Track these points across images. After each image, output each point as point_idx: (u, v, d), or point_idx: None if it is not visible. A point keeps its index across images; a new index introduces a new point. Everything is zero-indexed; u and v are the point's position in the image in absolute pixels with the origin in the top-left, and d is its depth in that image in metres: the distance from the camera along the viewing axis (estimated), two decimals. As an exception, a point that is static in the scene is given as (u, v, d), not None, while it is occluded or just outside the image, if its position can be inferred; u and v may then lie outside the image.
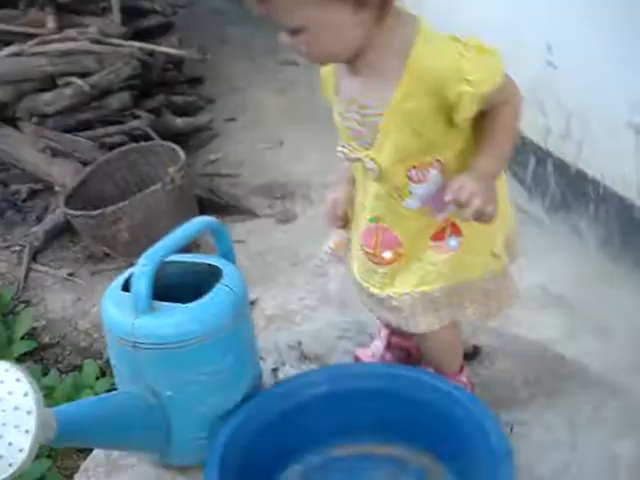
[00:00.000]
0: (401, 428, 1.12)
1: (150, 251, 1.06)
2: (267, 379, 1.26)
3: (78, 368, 2.04)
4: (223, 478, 0.99)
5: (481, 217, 0.96)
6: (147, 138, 2.76)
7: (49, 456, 1.73)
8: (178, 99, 3.11)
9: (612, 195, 2.11)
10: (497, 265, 1.09)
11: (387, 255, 1.06)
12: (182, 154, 2.38)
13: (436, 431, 1.09)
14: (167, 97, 3.01)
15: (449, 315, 1.09)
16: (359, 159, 1.03)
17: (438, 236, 1.05)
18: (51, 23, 2.68)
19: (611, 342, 1.96)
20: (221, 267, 1.11)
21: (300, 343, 1.39)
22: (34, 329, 2.25)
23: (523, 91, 2.26)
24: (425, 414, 1.10)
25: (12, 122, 2.74)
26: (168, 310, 1.03)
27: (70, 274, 2.48)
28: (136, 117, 2.81)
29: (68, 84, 2.65)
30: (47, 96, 2.66)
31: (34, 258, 2.55)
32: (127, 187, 2.53)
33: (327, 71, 1.08)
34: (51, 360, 2.14)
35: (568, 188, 2.29)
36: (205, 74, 3.83)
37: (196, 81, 3.68)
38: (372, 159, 1.01)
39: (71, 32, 2.67)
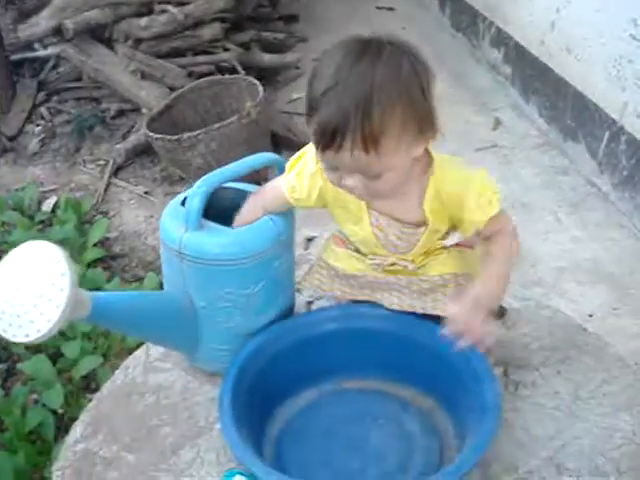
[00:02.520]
0: (411, 371, 1.19)
1: (208, 175, 1.15)
2: (303, 309, 1.34)
3: (141, 280, 2.17)
4: (237, 392, 1.09)
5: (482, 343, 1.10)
6: (234, 71, 2.86)
7: (104, 355, 1.89)
8: (269, 36, 3.17)
9: (679, 179, 2.09)
10: None
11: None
12: (261, 90, 2.46)
13: (440, 379, 1.15)
14: (258, 33, 3.08)
15: None
16: (394, 263, 1.15)
17: None
18: (154, -48, 2.77)
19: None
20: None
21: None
22: (107, 239, 2.40)
23: (608, 64, 2.25)
24: (433, 362, 1.16)
25: (108, 43, 2.87)
26: (213, 230, 1.12)
27: (146, 192, 2.63)
28: (226, 49, 2.90)
29: (164, 11, 2.75)
30: (143, 21, 2.77)
31: (115, 173, 2.70)
32: (208, 116, 2.64)
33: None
34: (118, 269, 2.28)
35: (637, 166, 2.26)
36: (301, 13, 3.90)
37: (291, 19, 3.74)
38: (409, 260, 1.15)
39: (171, -38, 2.76)
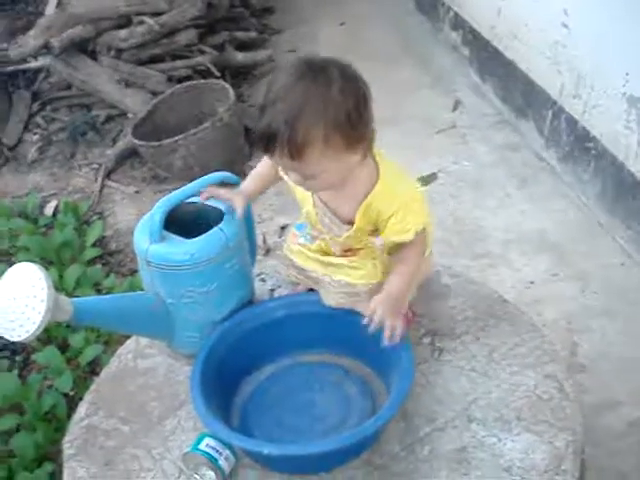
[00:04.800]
0: (351, 345, 1.44)
1: (168, 196, 1.40)
2: (266, 297, 1.59)
3: (135, 272, 2.39)
4: (205, 371, 1.35)
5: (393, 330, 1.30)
6: (211, 72, 3.08)
7: (105, 342, 2.16)
8: (242, 35, 3.38)
9: (607, 154, 2.31)
10: None
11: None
12: (232, 93, 2.69)
13: (373, 351, 1.39)
14: (231, 34, 3.28)
15: None
16: (325, 239, 1.40)
17: None
18: (127, -33, 2.97)
19: (584, 292, 2.20)
20: (225, 213, 1.43)
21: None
22: (103, 237, 2.66)
23: (546, 49, 2.44)
24: (365, 336, 1.38)
25: (92, 55, 3.09)
26: (172, 242, 1.37)
27: (137, 191, 2.88)
28: (202, 52, 3.11)
29: (141, 23, 2.97)
30: (122, 33, 2.99)
31: (108, 175, 2.95)
32: (188, 118, 2.86)
33: None
34: (115, 264, 2.54)
35: (576, 142, 2.49)
36: (276, 4, 4.09)
37: (267, 11, 3.93)
38: (336, 242, 1.37)
39: (144, -23, 2.97)
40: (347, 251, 1.41)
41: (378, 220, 1.30)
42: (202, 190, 1.44)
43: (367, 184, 1.28)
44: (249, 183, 1.46)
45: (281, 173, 1.33)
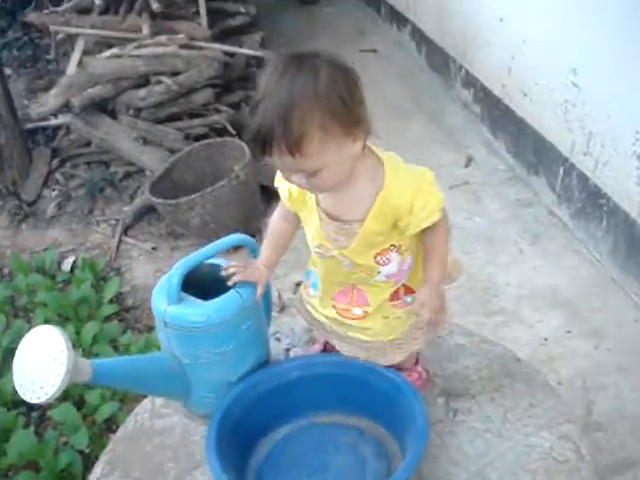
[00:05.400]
0: (364, 405, 1.44)
1: (185, 259, 1.43)
2: (281, 356, 1.61)
3: (151, 329, 2.42)
4: (221, 432, 1.36)
5: (442, 318, 1.28)
6: (226, 130, 3.14)
7: (121, 400, 2.17)
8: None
9: (620, 210, 2.33)
10: None
11: (357, 312, 1.39)
12: (247, 152, 2.74)
13: (387, 410, 1.41)
14: (246, 92, 3.36)
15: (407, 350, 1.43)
16: (333, 256, 1.34)
17: (395, 297, 1.38)
18: (146, 29, 3.07)
19: (597, 348, 2.20)
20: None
21: (311, 330, 1.67)
22: (120, 293, 2.69)
23: (556, 107, 2.49)
24: (379, 397, 1.41)
25: (112, 113, 3.17)
26: (189, 303, 1.39)
27: (154, 248, 2.91)
28: (218, 111, 3.19)
29: (159, 82, 3.05)
30: (141, 92, 3.07)
31: (125, 231, 2.99)
32: (205, 176, 2.91)
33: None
34: (131, 321, 2.56)
35: (588, 199, 2.51)
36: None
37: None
38: (345, 256, 1.32)
39: (162, 38, 3.06)
40: (351, 290, 1.39)
41: (398, 215, 1.25)
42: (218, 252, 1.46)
43: (373, 180, 1.23)
44: (268, 252, 1.45)
45: (283, 183, 1.30)
